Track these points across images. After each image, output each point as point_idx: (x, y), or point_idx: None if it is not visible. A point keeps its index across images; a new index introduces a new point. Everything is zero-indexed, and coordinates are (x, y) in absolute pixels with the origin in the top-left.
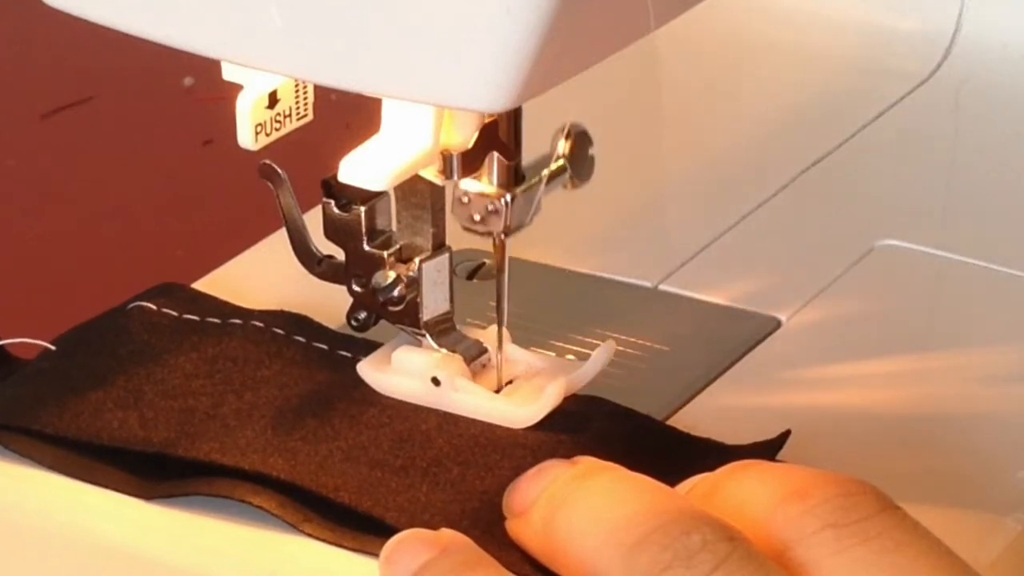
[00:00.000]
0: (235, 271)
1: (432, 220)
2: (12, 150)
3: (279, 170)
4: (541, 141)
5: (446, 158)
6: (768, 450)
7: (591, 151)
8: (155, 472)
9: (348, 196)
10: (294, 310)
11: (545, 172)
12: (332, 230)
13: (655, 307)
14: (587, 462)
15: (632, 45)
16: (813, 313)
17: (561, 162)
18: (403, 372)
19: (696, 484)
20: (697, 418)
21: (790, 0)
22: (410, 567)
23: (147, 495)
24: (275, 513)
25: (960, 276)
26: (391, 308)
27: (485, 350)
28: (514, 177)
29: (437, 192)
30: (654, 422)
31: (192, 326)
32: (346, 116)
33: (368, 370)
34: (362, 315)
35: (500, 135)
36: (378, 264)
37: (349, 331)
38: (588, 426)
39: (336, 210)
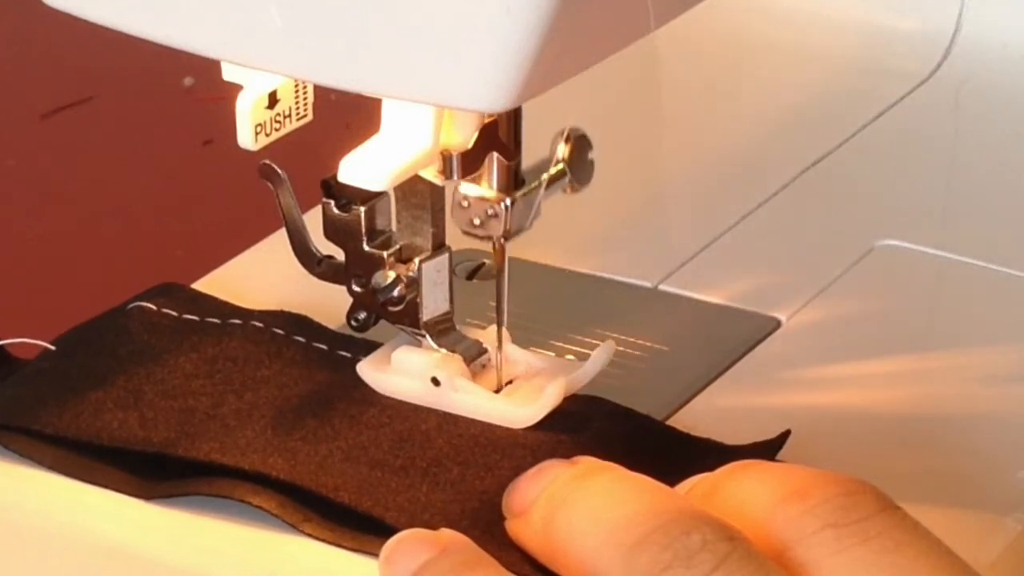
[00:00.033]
0: (235, 271)
1: (432, 220)
2: (12, 150)
3: (279, 170)
4: (541, 141)
5: (446, 158)
6: (768, 450)
7: (590, 155)
8: (155, 472)
9: (348, 196)
10: (294, 310)
11: (545, 176)
12: (332, 230)
13: (655, 307)
14: (587, 462)
15: (632, 45)
16: (813, 313)
17: (560, 166)
18: (403, 372)
19: (696, 484)
20: (697, 418)
21: (790, 0)
22: (410, 567)
23: (147, 495)
24: (275, 513)
25: (960, 276)
26: (391, 308)
27: (485, 350)
28: (514, 181)
29: (437, 192)
30: (654, 422)
31: (192, 326)
32: (346, 116)
33: (368, 370)
34: (362, 315)
35: (500, 135)
36: (378, 264)
37: (349, 331)
38: (588, 426)
39: (336, 210)
